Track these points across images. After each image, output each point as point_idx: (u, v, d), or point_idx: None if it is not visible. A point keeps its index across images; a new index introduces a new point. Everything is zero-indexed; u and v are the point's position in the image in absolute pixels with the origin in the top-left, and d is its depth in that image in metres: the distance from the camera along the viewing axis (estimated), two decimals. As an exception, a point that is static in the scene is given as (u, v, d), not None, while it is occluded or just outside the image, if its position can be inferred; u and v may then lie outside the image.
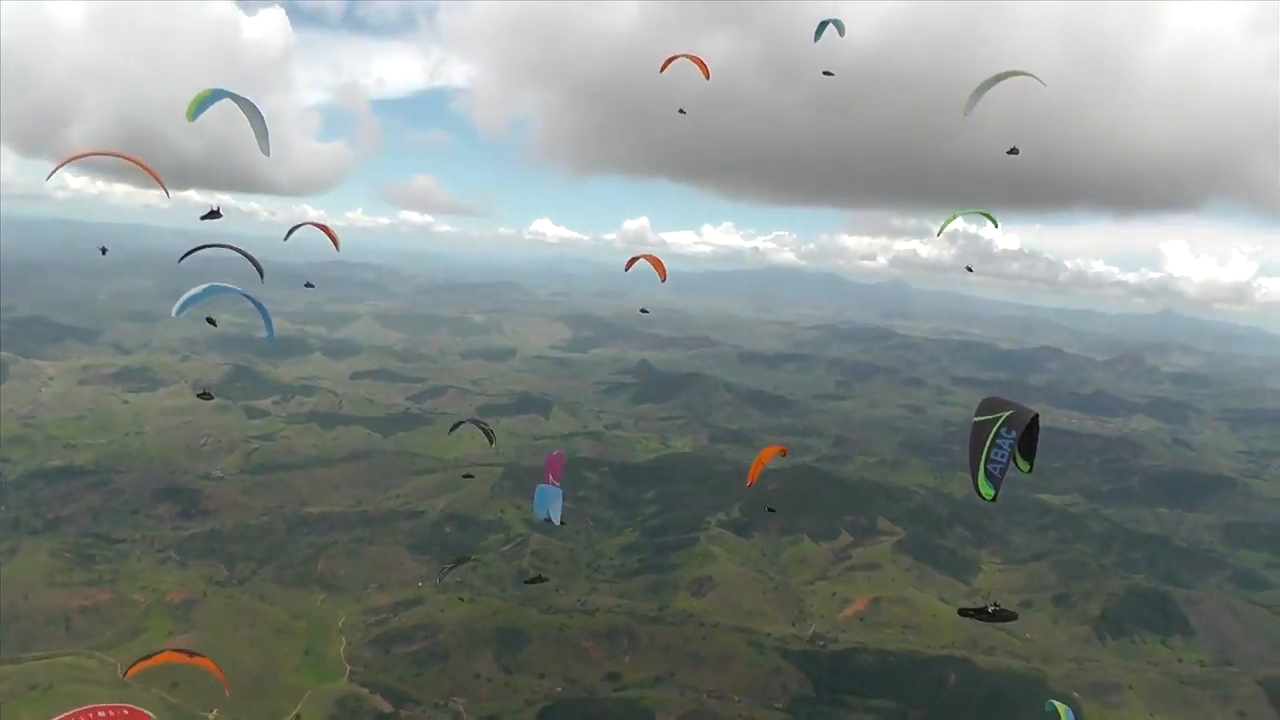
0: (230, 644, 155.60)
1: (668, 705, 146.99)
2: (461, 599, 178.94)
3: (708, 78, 62.31)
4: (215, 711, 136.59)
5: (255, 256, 52.08)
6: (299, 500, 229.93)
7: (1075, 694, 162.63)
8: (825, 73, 64.00)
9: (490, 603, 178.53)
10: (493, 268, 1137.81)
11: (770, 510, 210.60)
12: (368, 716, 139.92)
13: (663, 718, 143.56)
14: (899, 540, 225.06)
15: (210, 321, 54.34)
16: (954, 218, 58.18)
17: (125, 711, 34.80)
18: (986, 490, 26.86)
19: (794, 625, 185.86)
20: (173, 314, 46.96)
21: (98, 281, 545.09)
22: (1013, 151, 55.87)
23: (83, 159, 47.71)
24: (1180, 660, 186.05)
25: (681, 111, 74.32)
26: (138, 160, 46.32)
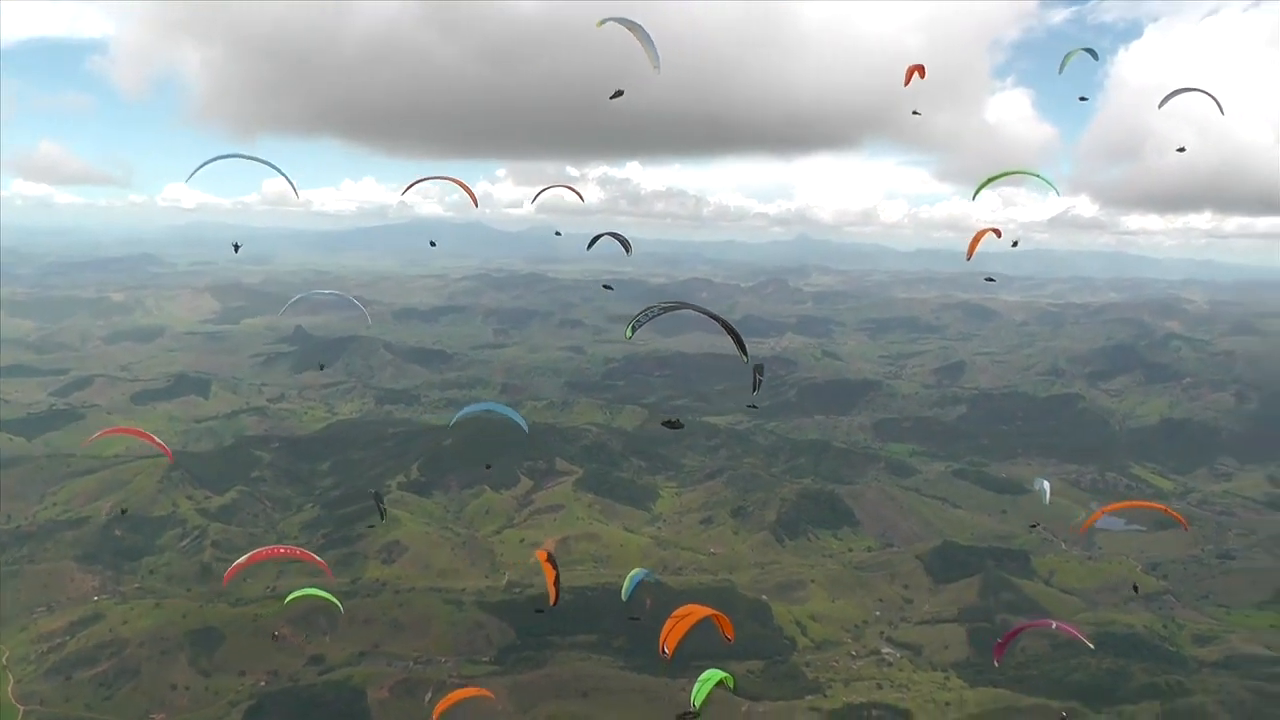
0: None
1: (377, 678, 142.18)
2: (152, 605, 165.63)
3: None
4: None
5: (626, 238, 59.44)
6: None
7: (764, 596, 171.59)
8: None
9: (177, 605, 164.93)
10: (127, 239, 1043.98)
11: (487, 467, 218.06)
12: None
13: (374, 692, 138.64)
14: (578, 479, 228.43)
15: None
16: (992, 180, 56.49)
17: (297, 550, 50.10)
18: (628, 334, 41.81)
19: (488, 577, 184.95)
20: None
21: None
22: (616, 94, 54.44)
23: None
24: (851, 550, 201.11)
25: None
26: None
